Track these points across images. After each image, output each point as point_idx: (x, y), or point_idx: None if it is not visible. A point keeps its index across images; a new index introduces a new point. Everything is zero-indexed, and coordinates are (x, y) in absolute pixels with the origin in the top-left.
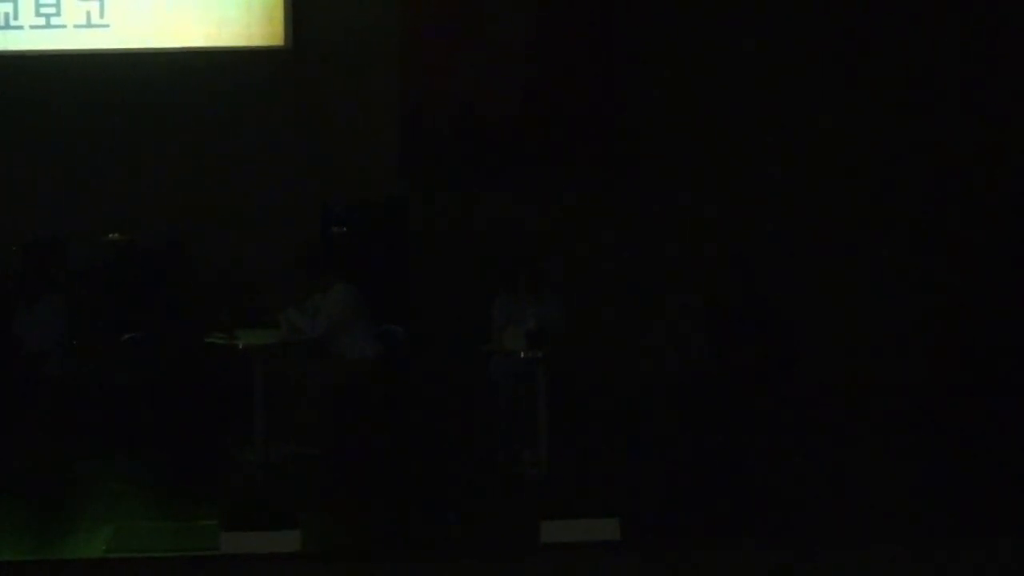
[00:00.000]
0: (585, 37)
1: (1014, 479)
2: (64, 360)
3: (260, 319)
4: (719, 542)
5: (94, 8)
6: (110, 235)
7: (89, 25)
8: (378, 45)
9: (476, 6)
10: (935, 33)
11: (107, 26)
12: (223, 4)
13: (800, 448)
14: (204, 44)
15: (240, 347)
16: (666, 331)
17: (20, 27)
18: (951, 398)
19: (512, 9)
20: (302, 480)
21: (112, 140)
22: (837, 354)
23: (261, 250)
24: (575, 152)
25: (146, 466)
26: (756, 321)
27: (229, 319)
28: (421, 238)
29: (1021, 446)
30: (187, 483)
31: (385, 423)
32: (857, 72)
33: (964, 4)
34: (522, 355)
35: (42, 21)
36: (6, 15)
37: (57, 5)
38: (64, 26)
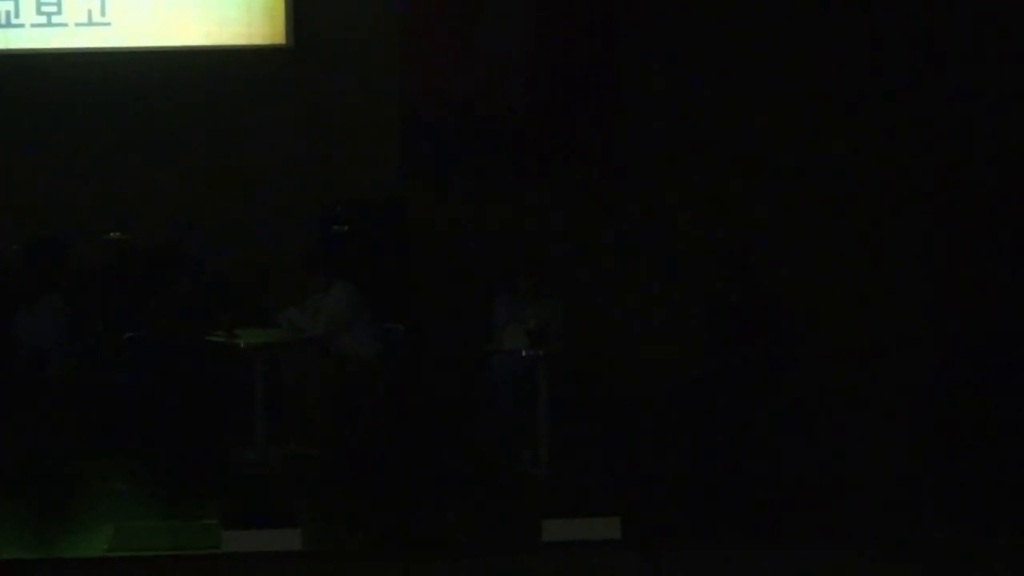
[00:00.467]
0: (585, 37)
1: (1014, 479)
2: (64, 360)
3: (260, 318)
4: (719, 542)
5: (95, 6)
6: (110, 235)
7: (90, 23)
8: (379, 44)
9: (476, 6)
10: (935, 33)
11: (108, 24)
12: (224, 2)
13: (800, 448)
14: (205, 42)
15: (240, 346)
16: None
17: (21, 25)
18: (951, 398)
19: (512, 9)
20: (302, 479)
21: (112, 139)
22: (837, 354)
23: (261, 249)
24: (575, 151)
25: (147, 465)
26: (757, 321)
27: (229, 318)
28: (421, 237)
29: (1021, 446)
30: (188, 482)
31: (385, 422)
32: (857, 72)
33: (964, 4)
34: (523, 354)
35: (43, 19)
36: (7, 13)
37: (58, 3)
38: (65, 24)
